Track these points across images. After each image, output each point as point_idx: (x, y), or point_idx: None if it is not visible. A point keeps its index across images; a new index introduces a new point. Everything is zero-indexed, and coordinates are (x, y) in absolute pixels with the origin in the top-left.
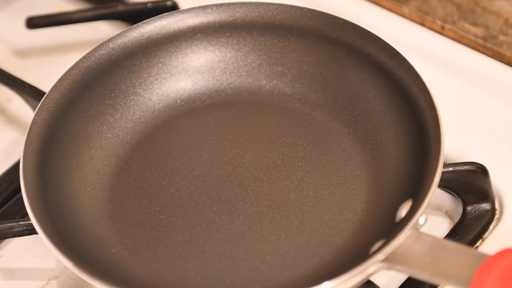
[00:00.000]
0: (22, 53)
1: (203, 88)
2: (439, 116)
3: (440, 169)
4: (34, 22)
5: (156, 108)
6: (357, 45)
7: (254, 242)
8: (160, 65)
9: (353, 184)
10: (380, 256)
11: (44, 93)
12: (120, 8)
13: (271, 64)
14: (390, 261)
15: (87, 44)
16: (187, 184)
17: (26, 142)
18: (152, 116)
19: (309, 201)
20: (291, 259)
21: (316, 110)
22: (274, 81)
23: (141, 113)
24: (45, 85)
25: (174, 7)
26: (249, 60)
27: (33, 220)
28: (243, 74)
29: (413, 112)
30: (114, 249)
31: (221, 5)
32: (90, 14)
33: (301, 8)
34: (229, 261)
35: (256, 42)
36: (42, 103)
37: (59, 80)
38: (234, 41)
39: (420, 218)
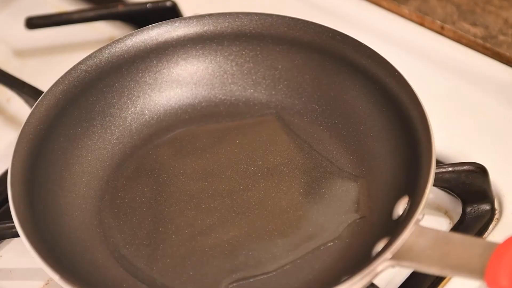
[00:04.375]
0: (21, 53)
1: (178, 103)
2: (424, 110)
3: (434, 159)
4: (33, 22)
5: (133, 127)
6: (331, 47)
7: (253, 252)
8: (133, 83)
9: (342, 185)
10: (388, 254)
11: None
12: (120, 8)
13: (244, 73)
14: (397, 258)
15: (86, 44)
16: (175, 200)
17: (11, 171)
18: (130, 135)
19: (301, 206)
20: (291, 266)
21: (295, 116)
22: (249, 91)
23: (119, 133)
24: (45, 85)
25: (174, 7)
26: (221, 71)
27: (30, 250)
28: (217, 86)
29: (396, 108)
30: (112, 271)
31: (189, 18)
32: (89, 14)
33: (271, 15)
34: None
35: (226, 53)
36: (21, 131)
37: (35, 106)
38: (206, 53)
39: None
